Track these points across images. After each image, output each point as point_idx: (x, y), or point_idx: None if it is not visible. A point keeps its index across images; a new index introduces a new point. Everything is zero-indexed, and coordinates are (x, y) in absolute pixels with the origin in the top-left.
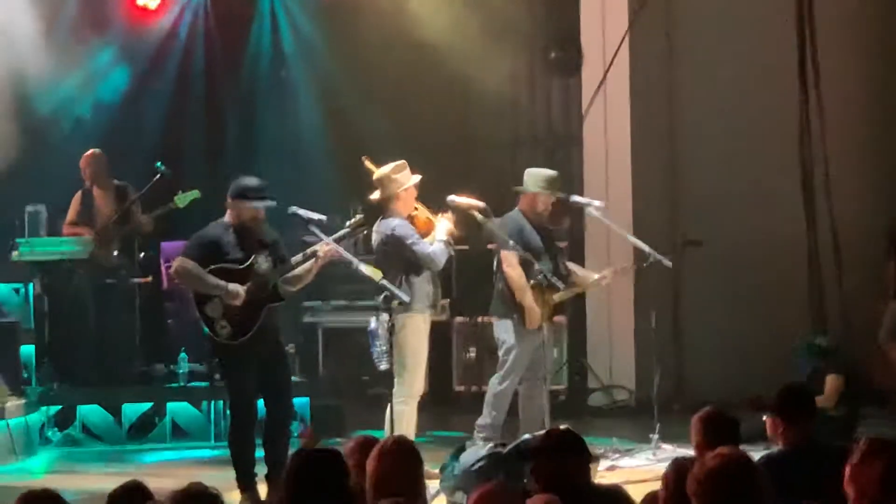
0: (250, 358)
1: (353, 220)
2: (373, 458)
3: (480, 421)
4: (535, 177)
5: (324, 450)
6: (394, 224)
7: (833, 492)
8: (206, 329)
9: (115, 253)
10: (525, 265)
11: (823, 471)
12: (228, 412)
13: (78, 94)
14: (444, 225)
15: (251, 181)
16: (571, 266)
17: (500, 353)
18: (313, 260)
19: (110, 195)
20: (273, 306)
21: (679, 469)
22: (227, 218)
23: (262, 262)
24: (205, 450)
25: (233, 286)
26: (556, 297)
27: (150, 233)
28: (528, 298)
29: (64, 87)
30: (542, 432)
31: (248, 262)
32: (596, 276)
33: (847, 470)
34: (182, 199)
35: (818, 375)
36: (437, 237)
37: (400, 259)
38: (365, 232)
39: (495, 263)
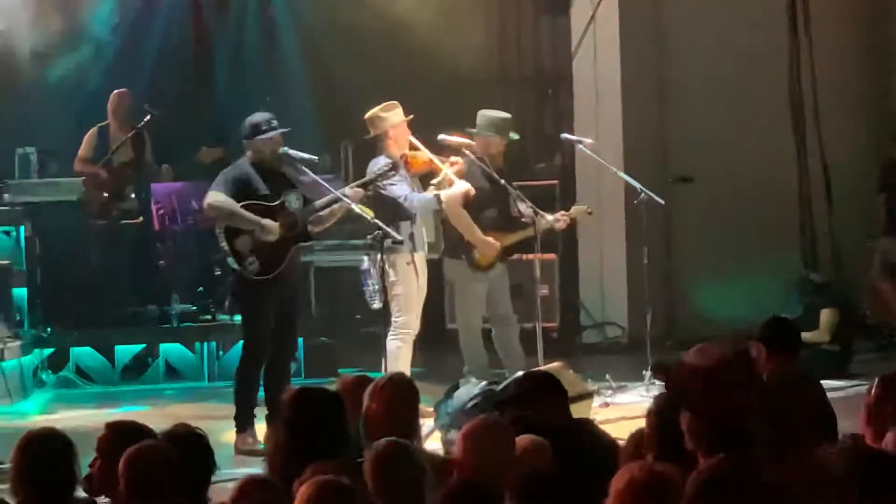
0: (272, 296)
1: (380, 166)
2: (368, 396)
3: (465, 368)
4: (487, 119)
5: (321, 390)
6: (378, 162)
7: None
8: (234, 264)
9: (107, 195)
10: (474, 207)
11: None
12: (242, 347)
13: (68, 35)
14: (458, 187)
15: (259, 115)
16: (527, 209)
17: (454, 294)
18: (338, 203)
19: (128, 138)
20: (301, 246)
21: (662, 405)
22: (248, 158)
23: (294, 201)
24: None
25: (267, 221)
26: (507, 238)
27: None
28: (476, 235)
29: (52, 28)
30: (517, 377)
31: (279, 200)
32: (550, 218)
33: (863, 411)
34: (208, 155)
35: (812, 311)
36: (436, 190)
37: (384, 199)
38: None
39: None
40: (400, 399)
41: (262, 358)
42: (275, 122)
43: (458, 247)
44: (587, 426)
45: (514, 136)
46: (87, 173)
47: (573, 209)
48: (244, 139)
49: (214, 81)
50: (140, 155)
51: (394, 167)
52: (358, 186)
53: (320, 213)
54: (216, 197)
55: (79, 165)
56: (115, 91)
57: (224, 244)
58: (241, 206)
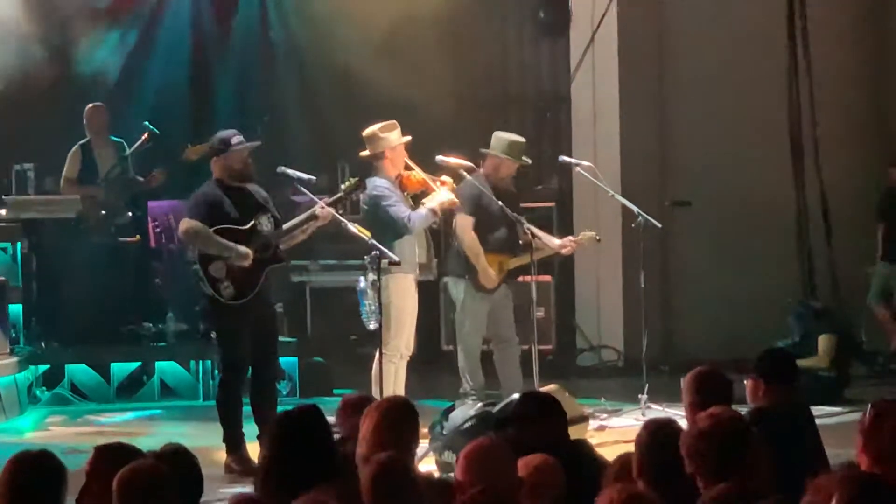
0: (247, 319)
1: (347, 183)
2: (367, 417)
3: (462, 389)
4: (501, 140)
5: (307, 409)
6: (375, 184)
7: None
8: (210, 289)
9: (104, 212)
10: (481, 229)
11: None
12: (219, 372)
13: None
14: (442, 195)
15: (226, 131)
16: (535, 231)
17: (456, 313)
18: (313, 221)
19: (110, 151)
20: (274, 267)
21: (652, 430)
22: (217, 176)
23: (265, 222)
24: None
25: (241, 248)
26: (513, 261)
27: (162, 185)
28: (481, 262)
29: (52, 44)
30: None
31: (250, 223)
32: (557, 243)
33: (859, 438)
34: (194, 151)
35: (810, 336)
36: (427, 204)
37: (379, 219)
38: (360, 194)
39: (454, 225)
40: (398, 422)
41: (241, 379)
42: (243, 136)
43: (464, 267)
44: (585, 448)
45: (527, 160)
46: (81, 195)
47: (581, 235)
48: (216, 155)
49: (214, 101)
50: (125, 169)
51: (359, 184)
52: (330, 204)
53: (291, 232)
54: (190, 224)
55: (65, 186)
56: (90, 105)
57: (198, 269)
58: (216, 230)
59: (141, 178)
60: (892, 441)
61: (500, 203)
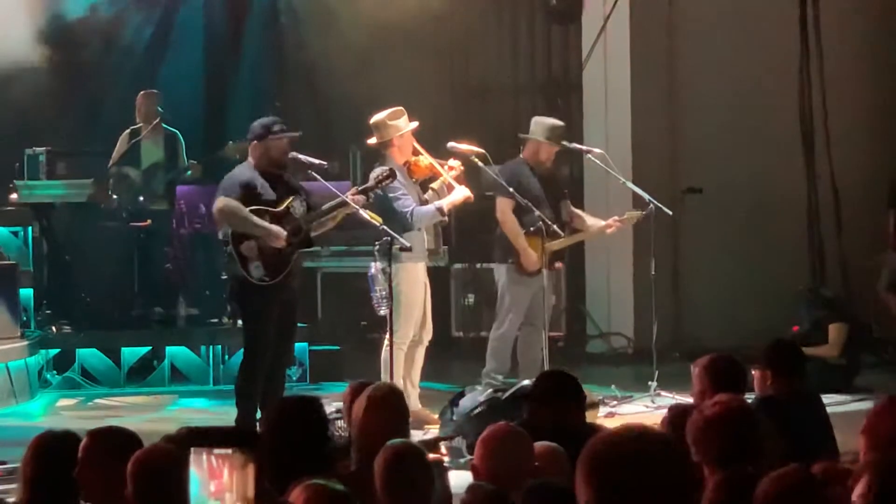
0: (275, 301)
1: (378, 173)
2: (358, 406)
3: (485, 369)
4: (540, 125)
5: (302, 400)
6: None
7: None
8: (240, 269)
9: (115, 197)
10: (522, 211)
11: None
12: (243, 351)
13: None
14: (457, 194)
15: (268, 118)
16: (578, 213)
17: (498, 297)
18: (342, 208)
19: (159, 138)
20: (304, 251)
21: (676, 415)
22: (253, 161)
23: (298, 206)
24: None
25: (275, 227)
26: (556, 243)
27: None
28: (521, 242)
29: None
30: (526, 384)
31: (284, 205)
32: (602, 224)
33: (865, 420)
34: (232, 149)
35: (821, 325)
36: (437, 202)
37: (387, 209)
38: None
39: (495, 209)
40: (388, 410)
41: (264, 364)
42: (286, 125)
43: (508, 251)
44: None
45: (568, 144)
46: (116, 175)
47: (627, 214)
48: (255, 140)
49: (227, 89)
50: (172, 154)
51: (390, 174)
52: (360, 193)
53: (321, 219)
54: (226, 202)
55: (112, 168)
56: (142, 91)
57: (230, 248)
58: (251, 210)
59: (191, 161)
60: (886, 435)
61: (539, 186)
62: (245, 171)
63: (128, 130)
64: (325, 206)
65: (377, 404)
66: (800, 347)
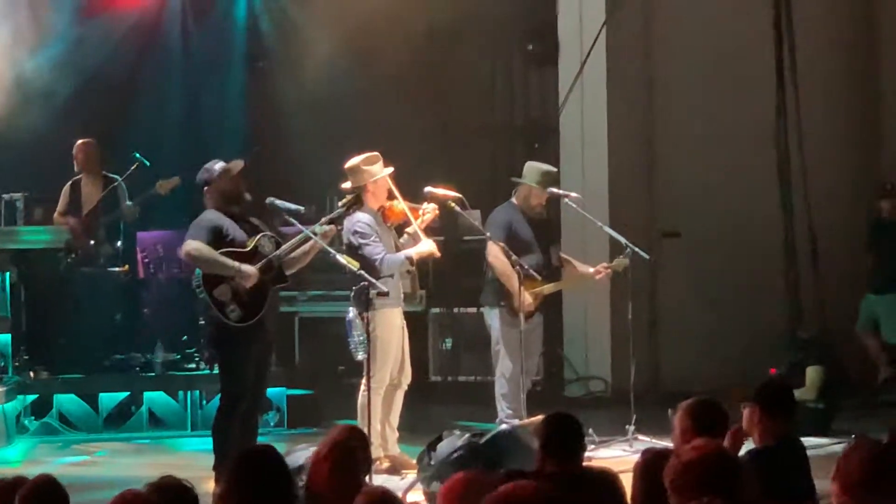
0: (254, 343)
1: (345, 200)
2: (315, 460)
3: (500, 415)
4: (533, 170)
5: (264, 449)
6: (356, 219)
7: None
8: (217, 313)
9: (93, 242)
10: (509, 256)
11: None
12: (221, 396)
13: (55, 82)
14: (425, 246)
15: (213, 161)
16: (567, 258)
17: (493, 342)
18: (310, 242)
19: (99, 185)
20: (278, 288)
21: (649, 459)
22: (213, 206)
23: (266, 244)
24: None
25: (246, 266)
26: (547, 288)
27: (136, 220)
28: (514, 285)
29: (40, 75)
30: (504, 428)
31: (252, 244)
32: (590, 270)
33: (835, 465)
34: (164, 186)
35: (798, 367)
36: (407, 250)
37: (359, 255)
38: (354, 212)
39: (486, 253)
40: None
41: (242, 407)
42: (224, 162)
43: (499, 295)
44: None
45: (557, 191)
46: (66, 226)
47: (615, 261)
48: (209, 184)
49: (203, 130)
50: (113, 200)
51: (356, 200)
52: (326, 223)
53: (292, 255)
54: (194, 245)
55: (56, 218)
56: (79, 140)
57: (202, 294)
58: (220, 253)
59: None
60: (854, 477)
61: (531, 230)
62: (210, 214)
63: (68, 184)
64: (293, 241)
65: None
66: (791, 389)
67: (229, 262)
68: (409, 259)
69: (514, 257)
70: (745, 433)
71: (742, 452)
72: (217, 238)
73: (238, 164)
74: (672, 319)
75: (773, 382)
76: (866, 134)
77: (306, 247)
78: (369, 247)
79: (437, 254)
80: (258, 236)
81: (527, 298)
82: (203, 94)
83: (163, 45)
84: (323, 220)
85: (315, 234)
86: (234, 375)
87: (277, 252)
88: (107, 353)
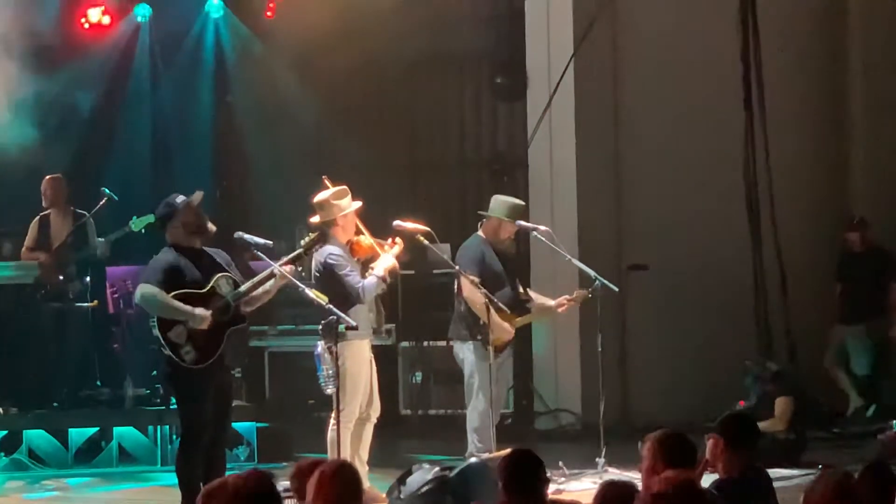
0: (210, 383)
1: (306, 239)
2: (313, 484)
3: (470, 449)
4: (501, 204)
5: (257, 475)
6: (328, 251)
7: None
8: (172, 355)
9: (62, 277)
10: (487, 290)
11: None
12: (179, 436)
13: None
14: (385, 260)
15: (173, 195)
16: (530, 292)
17: (466, 375)
18: (272, 280)
19: (68, 220)
20: (235, 329)
21: (608, 490)
22: (172, 241)
23: (224, 285)
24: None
25: (199, 310)
26: (518, 321)
27: (107, 256)
28: (493, 317)
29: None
30: (473, 461)
31: (209, 285)
32: (552, 303)
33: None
34: (137, 223)
35: (768, 399)
36: (374, 271)
37: (333, 288)
38: (318, 248)
39: (455, 287)
40: (344, 486)
41: (202, 444)
42: (183, 195)
43: (473, 329)
44: None
45: (526, 224)
46: (36, 261)
47: (576, 293)
48: (167, 220)
49: (173, 166)
50: (82, 236)
51: (319, 238)
52: (289, 262)
53: (254, 293)
54: (145, 290)
55: (24, 254)
56: (47, 176)
57: (157, 335)
58: (174, 295)
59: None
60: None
61: (501, 264)
62: (168, 255)
63: (36, 218)
64: (252, 281)
65: (330, 479)
66: (754, 421)
67: (181, 306)
68: (381, 278)
69: (482, 290)
70: (708, 464)
71: (706, 484)
72: (171, 279)
73: (199, 195)
74: (641, 352)
75: (736, 415)
76: (834, 164)
77: (268, 285)
78: (349, 277)
79: (397, 264)
80: (216, 277)
81: (507, 330)
82: (172, 130)
83: (132, 82)
84: (284, 259)
85: (274, 275)
86: (191, 412)
87: (236, 291)
88: (76, 388)
